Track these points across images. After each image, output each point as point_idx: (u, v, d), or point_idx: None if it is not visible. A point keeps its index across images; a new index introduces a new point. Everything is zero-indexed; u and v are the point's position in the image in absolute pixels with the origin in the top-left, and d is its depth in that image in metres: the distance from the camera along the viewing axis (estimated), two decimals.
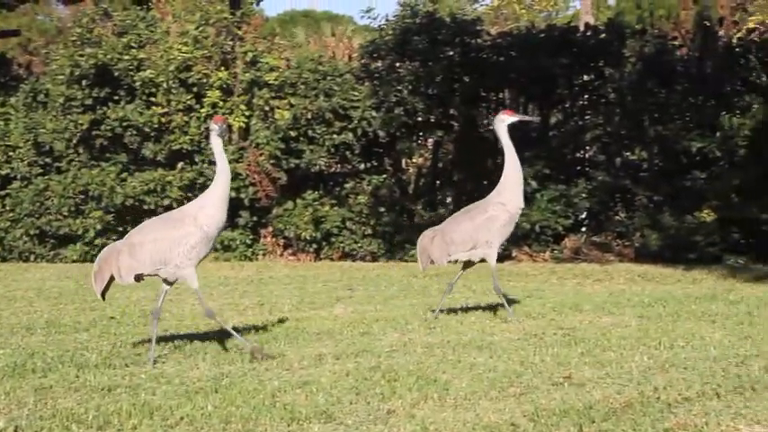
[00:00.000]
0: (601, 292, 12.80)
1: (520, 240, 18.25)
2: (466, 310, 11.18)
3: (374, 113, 19.46)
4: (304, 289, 14.14)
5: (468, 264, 10.63)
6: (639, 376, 7.19)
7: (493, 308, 11.10)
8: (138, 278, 8.52)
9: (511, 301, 11.00)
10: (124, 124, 19.36)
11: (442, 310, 10.73)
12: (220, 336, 9.32)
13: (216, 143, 8.54)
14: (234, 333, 8.64)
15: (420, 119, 19.90)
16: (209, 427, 6.18)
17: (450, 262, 10.54)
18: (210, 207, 8.47)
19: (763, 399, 6.37)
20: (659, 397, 6.49)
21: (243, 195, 19.20)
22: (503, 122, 10.54)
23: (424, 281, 14.64)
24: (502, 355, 8.18)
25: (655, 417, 6.03)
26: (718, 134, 17.67)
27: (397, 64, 20.13)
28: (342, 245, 19.63)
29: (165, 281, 8.56)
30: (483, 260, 10.42)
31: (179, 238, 8.36)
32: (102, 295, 8.59)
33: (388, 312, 11.10)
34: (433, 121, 19.89)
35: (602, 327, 9.63)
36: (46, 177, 19.96)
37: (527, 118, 11.74)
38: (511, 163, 10.46)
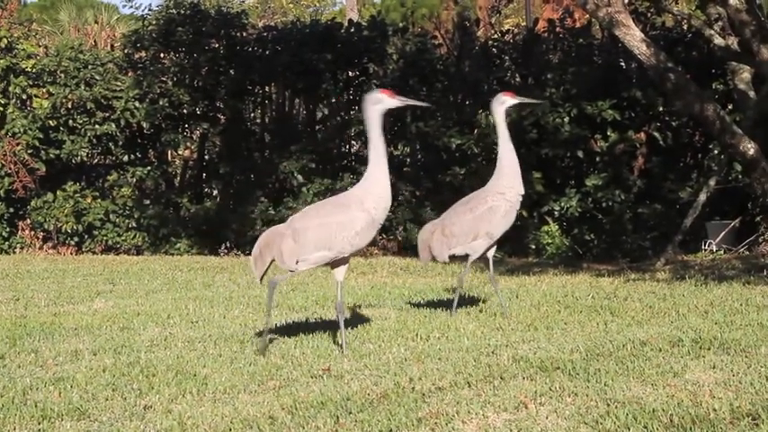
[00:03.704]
0: (363, 285, 13.02)
1: None
2: (229, 302, 11.17)
3: (138, 104, 19.14)
4: (63, 283, 13.75)
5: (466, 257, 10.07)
6: (396, 367, 7.36)
7: (258, 303, 11.12)
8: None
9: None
10: None
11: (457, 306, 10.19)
12: None
13: (374, 119, 7.98)
14: (342, 331, 8.11)
15: (186, 111, 19.72)
16: None
17: (451, 257, 9.98)
18: (377, 186, 8.01)
19: (510, 387, 6.64)
20: (414, 387, 6.67)
21: None
22: (502, 104, 9.87)
23: (188, 275, 14.52)
24: None
25: (409, 406, 6.19)
26: (476, 132, 18.28)
27: (162, 55, 19.90)
28: (105, 238, 19.24)
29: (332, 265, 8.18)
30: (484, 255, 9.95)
31: (346, 223, 7.98)
32: (261, 279, 8.31)
33: (150, 306, 10.96)
34: (199, 113, 19.75)
35: (363, 319, 9.81)
36: None
37: (529, 100, 11.16)
38: (506, 149, 9.81)
